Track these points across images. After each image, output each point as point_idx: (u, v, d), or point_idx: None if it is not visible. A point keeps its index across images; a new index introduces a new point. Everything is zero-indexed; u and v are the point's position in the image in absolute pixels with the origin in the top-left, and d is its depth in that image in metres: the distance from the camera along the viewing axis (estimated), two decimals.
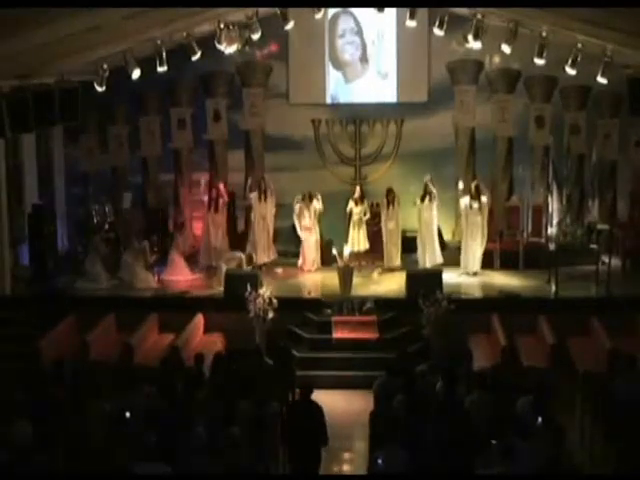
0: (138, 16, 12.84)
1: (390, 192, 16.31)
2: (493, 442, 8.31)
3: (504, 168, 17.70)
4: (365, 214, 16.42)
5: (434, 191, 16.01)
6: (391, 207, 16.27)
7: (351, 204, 16.35)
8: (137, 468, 8.02)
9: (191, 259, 16.61)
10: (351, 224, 16.34)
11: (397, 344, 13.44)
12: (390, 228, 16.31)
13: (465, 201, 15.97)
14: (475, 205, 15.86)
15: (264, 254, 16.48)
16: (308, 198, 16.39)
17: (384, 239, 16.40)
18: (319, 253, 16.62)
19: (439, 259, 16.07)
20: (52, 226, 16.70)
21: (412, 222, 16.51)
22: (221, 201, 16.59)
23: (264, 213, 16.49)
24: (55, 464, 8.43)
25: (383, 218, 16.38)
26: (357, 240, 16.22)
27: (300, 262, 16.60)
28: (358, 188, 16.64)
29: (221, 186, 16.81)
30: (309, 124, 17.55)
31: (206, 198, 16.68)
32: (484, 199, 15.93)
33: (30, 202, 16.65)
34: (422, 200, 16.06)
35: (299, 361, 13.51)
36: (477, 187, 16.04)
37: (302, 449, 9.19)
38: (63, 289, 15.35)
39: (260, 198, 16.49)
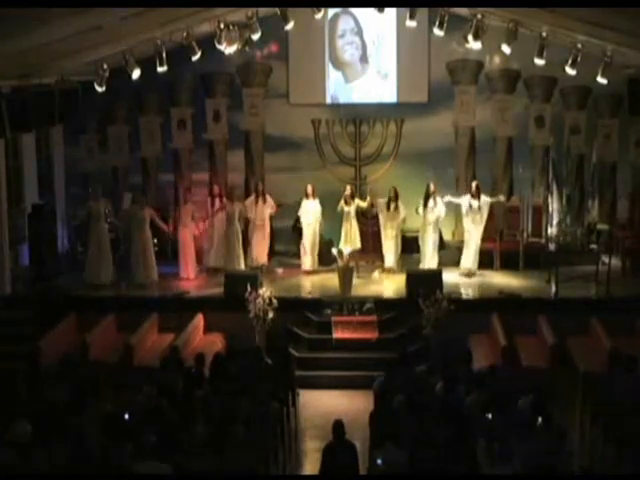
0: (138, 16, 12.87)
1: (393, 192, 16.26)
2: (494, 441, 8.32)
3: (504, 168, 17.70)
4: (357, 212, 16.35)
5: (438, 199, 16.00)
6: (393, 207, 16.24)
7: (342, 203, 16.31)
8: (137, 468, 8.04)
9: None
10: (343, 223, 16.33)
11: (397, 344, 13.44)
12: (391, 228, 16.29)
13: (467, 200, 16.01)
14: (475, 204, 15.90)
15: (261, 256, 16.48)
16: (312, 194, 16.43)
17: (383, 239, 16.39)
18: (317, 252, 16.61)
19: (434, 265, 16.04)
20: (52, 226, 16.70)
21: (413, 223, 16.50)
22: (223, 200, 16.58)
23: (262, 216, 16.50)
24: (55, 464, 8.43)
25: (383, 217, 16.37)
26: (349, 238, 16.19)
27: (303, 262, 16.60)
28: (348, 187, 16.56)
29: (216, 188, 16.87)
30: (309, 124, 17.55)
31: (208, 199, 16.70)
32: (483, 199, 15.97)
33: (30, 202, 16.64)
34: (425, 205, 16.04)
35: (299, 361, 13.54)
36: (477, 187, 16.07)
37: None
38: (63, 289, 15.34)
39: (257, 201, 16.51)
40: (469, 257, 16.07)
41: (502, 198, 16.51)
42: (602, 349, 12.88)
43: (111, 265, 15.74)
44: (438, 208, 15.96)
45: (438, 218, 16.01)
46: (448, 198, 16.18)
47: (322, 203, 16.44)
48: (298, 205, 16.45)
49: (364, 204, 16.40)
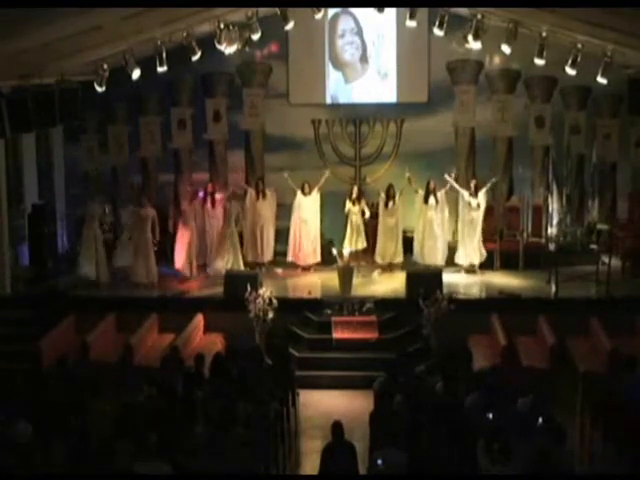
0: (138, 16, 12.86)
1: (390, 188, 16.28)
2: (494, 441, 8.31)
3: (504, 168, 17.70)
4: (363, 214, 16.40)
5: (439, 195, 16.00)
6: (391, 203, 16.24)
7: (348, 204, 16.34)
8: (138, 468, 8.04)
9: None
10: (349, 224, 16.35)
11: (397, 344, 13.44)
12: (389, 224, 16.28)
13: (465, 197, 16.03)
14: (474, 202, 15.91)
15: (255, 253, 16.46)
16: (308, 189, 16.41)
17: (379, 235, 16.37)
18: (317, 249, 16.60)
19: (440, 261, 16.03)
20: (52, 226, 16.70)
21: (412, 221, 16.50)
22: (217, 197, 16.56)
23: (260, 212, 16.50)
24: (55, 464, 8.44)
25: (381, 214, 16.36)
26: (355, 240, 16.22)
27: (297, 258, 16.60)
28: (355, 188, 16.64)
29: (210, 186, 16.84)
30: (309, 124, 17.56)
31: (201, 194, 16.64)
32: (481, 197, 15.96)
33: (30, 202, 16.65)
34: (425, 201, 16.05)
35: (299, 361, 13.55)
36: (476, 185, 16.08)
37: None
38: (63, 289, 15.34)
39: (258, 197, 16.51)
40: (462, 254, 16.10)
41: (494, 179, 16.28)
42: (602, 349, 12.88)
43: (106, 264, 15.75)
44: (439, 205, 15.98)
45: (438, 214, 16.01)
46: (450, 179, 16.12)
47: (322, 203, 16.45)
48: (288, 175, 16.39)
49: (366, 212, 16.42)
